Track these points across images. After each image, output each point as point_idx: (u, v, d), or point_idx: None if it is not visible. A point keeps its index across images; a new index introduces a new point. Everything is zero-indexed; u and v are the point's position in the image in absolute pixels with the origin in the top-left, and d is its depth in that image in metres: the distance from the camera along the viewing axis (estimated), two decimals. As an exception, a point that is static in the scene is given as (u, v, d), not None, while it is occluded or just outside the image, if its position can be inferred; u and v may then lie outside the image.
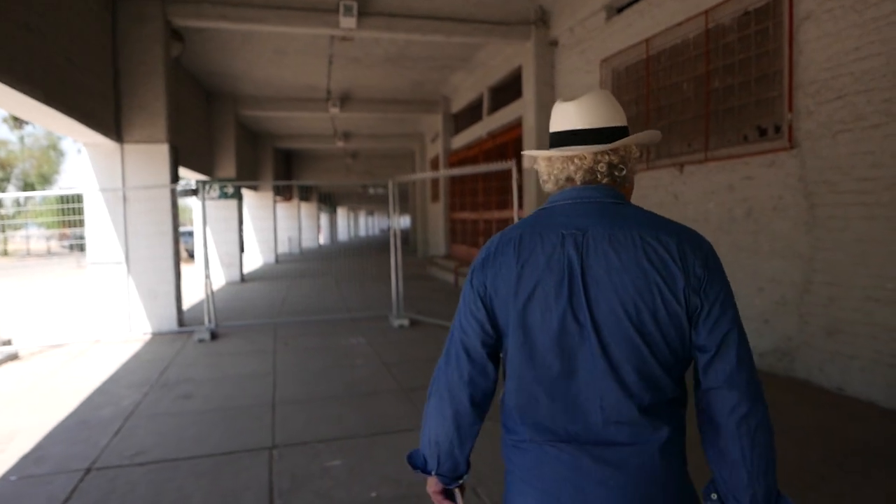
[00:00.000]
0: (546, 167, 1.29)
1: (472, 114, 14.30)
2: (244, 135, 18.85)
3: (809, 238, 4.94)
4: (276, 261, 22.07)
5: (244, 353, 6.76)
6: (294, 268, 19.03)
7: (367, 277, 15.04)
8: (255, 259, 21.60)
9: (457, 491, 1.36)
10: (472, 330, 1.25)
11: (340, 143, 21.47)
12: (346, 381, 5.54)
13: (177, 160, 8.77)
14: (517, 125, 10.67)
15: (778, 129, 5.33)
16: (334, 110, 15.11)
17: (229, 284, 14.61)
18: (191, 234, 30.39)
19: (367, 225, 64.83)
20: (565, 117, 1.23)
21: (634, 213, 1.19)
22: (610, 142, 1.21)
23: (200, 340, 7.46)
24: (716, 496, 1.17)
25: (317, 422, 4.45)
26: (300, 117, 17.83)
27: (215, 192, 14.98)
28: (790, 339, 5.17)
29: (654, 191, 6.92)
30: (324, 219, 41.59)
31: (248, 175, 19.75)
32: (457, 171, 6.77)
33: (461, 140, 14.65)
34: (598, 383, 1.12)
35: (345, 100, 15.27)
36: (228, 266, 15.13)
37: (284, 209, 27.94)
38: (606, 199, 1.20)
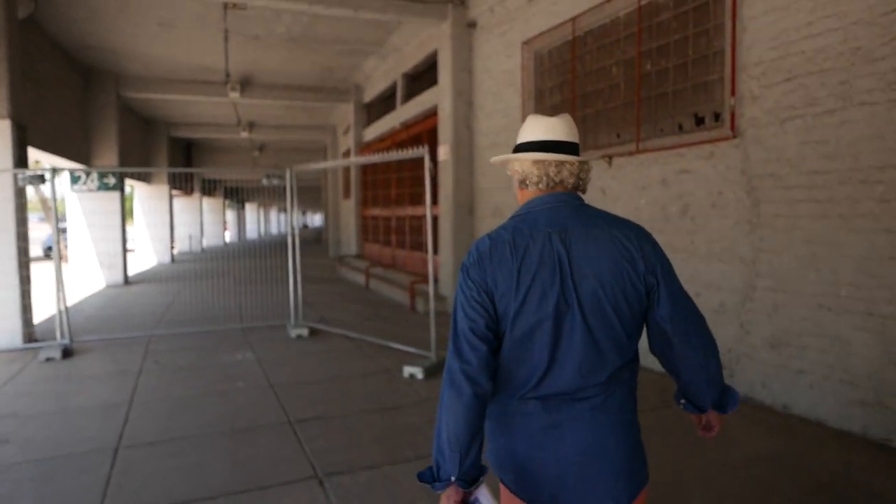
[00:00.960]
0: (537, 169, 1.52)
1: (385, 103, 13.39)
2: (131, 120, 16.96)
3: (752, 238, 4.43)
4: (173, 260, 20.20)
5: (100, 377, 5.53)
6: (191, 268, 17.36)
7: (272, 280, 13.77)
8: (147, 258, 19.63)
9: (483, 488, 1.41)
10: (479, 316, 1.43)
11: (245, 134, 19.89)
12: (218, 411, 4.51)
13: (23, 141, 7.35)
14: (432, 114, 9.87)
15: (718, 117, 4.81)
16: (234, 95, 13.72)
17: (110, 288, 12.92)
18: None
19: (279, 222, 62.21)
20: (551, 129, 1.52)
21: (597, 212, 1.54)
22: (577, 155, 1.54)
23: (48, 360, 6.13)
24: (684, 400, 1.65)
25: (167, 474, 3.42)
26: (197, 102, 16.20)
27: (93, 182, 13.26)
28: (729, 350, 4.65)
29: (580, 186, 6.31)
30: (231, 215, 39.21)
31: (136, 165, 17.87)
32: (363, 160, 5.90)
33: (374, 131, 13.70)
34: (579, 351, 1.42)
35: (246, 84, 13.91)
36: (110, 267, 13.41)
37: (184, 204, 25.82)
38: (576, 202, 1.54)
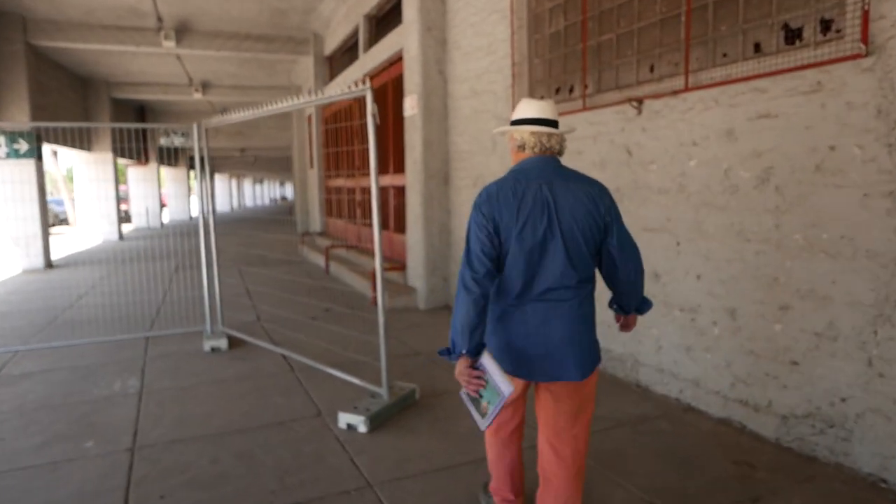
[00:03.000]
0: (533, 138, 2.16)
1: (349, 55, 11.39)
2: (59, 77, 14.71)
3: (894, 223, 2.69)
4: (121, 237, 18.15)
5: None
6: (136, 248, 15.39)
7: (226, 260, 11.92)
8: (91, 236, 17.58)
9: (483, 359, 2.04)
10: (487, 239, 2.04)
11: (198, 95, 17.74)
12: (14, 516, 2.73)
13: None
14: (397, 59, 7.96)
15: (828, 26, 3.02)
16: (169, 45, 11.62)
17: (25, 273, 10.97)
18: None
19: (254, 194, 59.74)
20: (543, 110, 2.18)
21: (572, 172, 2.18)
22: (556, 129, 2.19)
23: None
24: (615, 305, 2.38)
25: None
26: (134, 57, 14.01)
27: (2, 149, 11.18)
28: (843, 399, 2.96)
29: (593, 143, 4.51)
30: (199, 187, 36.91)
31: (78, 133, 15.68)
32: (287, 106, 4.13)
33: (336, 88, 11.70)
34: (559, 264, 2.05)
35: (183, 31, 11.79)
36: (26, 249, 11.41)
37: (141, 174, 23.60)
38: (557, 163, 2.19)
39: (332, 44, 11.95)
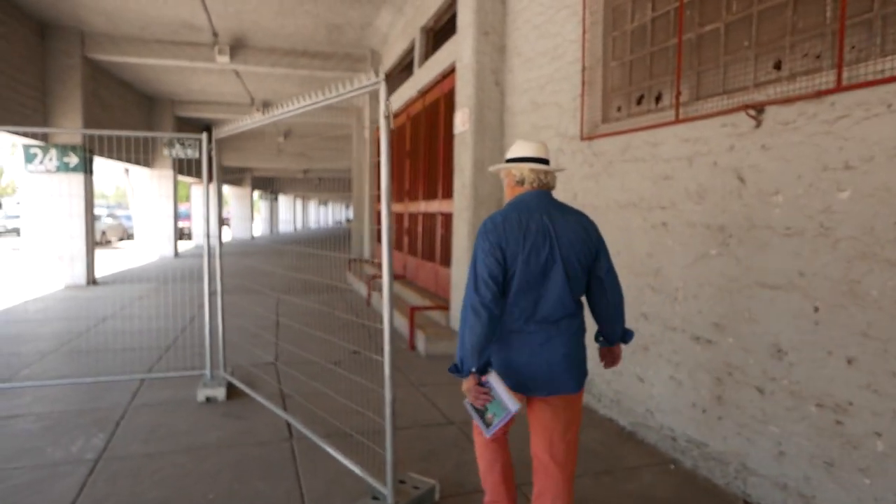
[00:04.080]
0: (533, 174, 2.34)
1: (406, 73, 10.67)
2: (121, 94, 14.79)
3: None
4: (176, 255, 18.08)
5: None
6: (187, 266, 15.13)
7: (266, 286, 11.38)
8: (147, 252, 17.58)
9: (490, 373, 2.21)
10: (496, 266, 2.17)
11: (258, 115, 17.51)
12: None
13: None
14: (450, 71, 7.08)
15: None
16: (223, 60, 11.27)
17: (67, 289, 10.68)
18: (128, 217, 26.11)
19: (318, 215, 60.51)
20: (539, 150, 2.38)
21: (564, 204, 2.37)
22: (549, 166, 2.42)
23: None
24: (602, 338, 2.51)
25: None
26: (194, 74, 13.90)
27: (52, 161, 11.04)
28: None
29: (688, 166, 3.42)
30: (264, 207, 37.37)
31: (134, 148, 15.72)
32: (278, 115, 3.34)
33: (394, 105, 10.99)
34: (560, 290, 2.22)
35: (237, 47, 11.43)
36: (73, 263, 11.16)
37: (202, 192, 23.81)
38: (551, 196, 2.36)
39: (389, 61, 11.29)
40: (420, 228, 8.54)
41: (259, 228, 37.30)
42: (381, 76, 2.67)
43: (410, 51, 9.94)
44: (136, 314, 8.21)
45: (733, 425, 3.13)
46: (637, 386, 3.90)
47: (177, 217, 18.10)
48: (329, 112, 18.10)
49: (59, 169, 10.88)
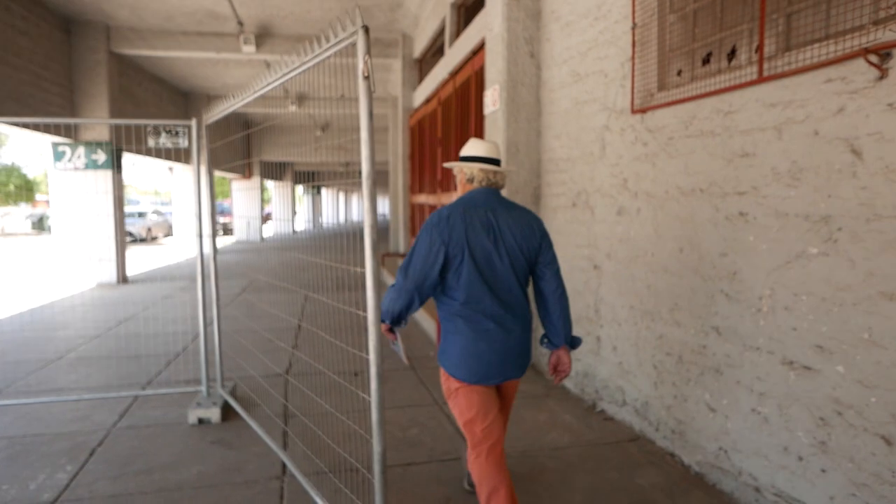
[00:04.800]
0: (482, 173, 2.45)
1: (439, 56, 9.98)
2: (161, 91, 14.62)
3: None
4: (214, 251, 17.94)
5: None
6: (223, 262, 14.89)
7: (299, 283, 10.94)
8: (186, 249, 17.50)
9: (397, 331, 2.49)
10: (436, 260, 2.28)
11: (293, 107, 17.20)
12: None
13: None
14: (480, 46, 6.34)
15: None
16: (249, 49, 10.82)
17: (98, 288, 10.48)
18: (156, 212, 26.47)
19: (361, 209, 60.61)
20: (490, 150, 2.49)
21: (511, 202, 2.47)
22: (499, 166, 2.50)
23: None
24: (546, 340, 2.53)
25: None
26: (218, 64, 13.57)
27: (80, 159, 10.84)
28: None
29: (776, 137, 2.62)
30: (307, 201, 37.40)
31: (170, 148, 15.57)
32: (271, 84, 2.79)
33: (423, 92, 10.33)
34: (507, 283, 2.34)
35: (263, 35, 10.96)
36: (103, 260, 10.97)
37: (243, 187, 23.78)
38: (499, 194, 2.46)
39: (420, 44, 10.61)
40: (452, 222, 7.86)
41: (302, 222, 37.35)
42: (358, 25, 2.00)
43: (441, 31, 9.24)
44: (159, 315, 7.83)
45: (845, 483, 2.34)
46: (706, 416, 3.14)
47: (214, 213, 17.94)
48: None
49: (87, 166, 10.66)
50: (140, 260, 16.20)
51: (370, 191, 2.06)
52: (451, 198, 7.93)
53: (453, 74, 7.70)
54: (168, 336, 6.55)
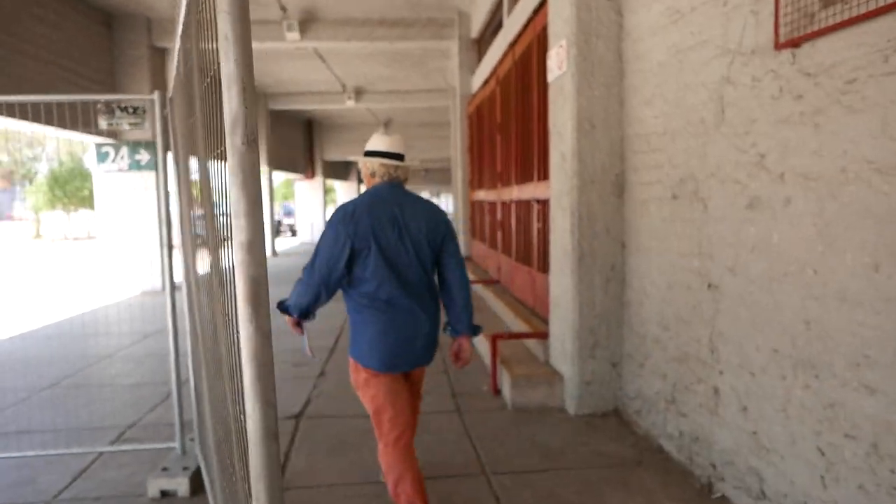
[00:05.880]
0: (383, 169, 2.52)
1: (496, 31, 8.76)
2: (216, 91, 14.14)
3: None
4: (274, 254, 17.50)
5: None
6: (280, 266, 14.32)
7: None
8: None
9: (303, 324, 2.56)
10: (340, 252, 2.35)
11: (350, 102, 16.43)
12: None
13: None
14: (542, 3, 5.07)
15: None
16: (293, 36, 9.98)
17: (141, 295, 9.96)
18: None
19: (431, 208, 59.86)
20: (391, 145, 2.55)
21: (415, 196, 2.57)
22: (402, 161, 2.56)
23: None
24: (449, 327, 2.64)
25: None
26: (270, 58, 12.90)
27: (124, 160, 10.35)
28: None
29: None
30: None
31: (220, 143, 15.12)
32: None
33: (482, 73, 9.13)
34: (413, 271, 2.45)
35: (308, 21, 10.09)
36: (148, 265, 10.45)
37: (306, 188, 23.39)
38: (403, 188, 2.57)
39: (478, 20, 9.42)
40: (513, 221, 6.62)
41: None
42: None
43: (500, 5, 8.01)
44: (188, 328, 7.03)
45: None
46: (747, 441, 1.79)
47: (272, 214, 17.44)
48: (428, 96, 16.60)
49: (130, 167, 10.17)
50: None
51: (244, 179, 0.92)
52: (511, 193, 6.71)
53: (512, 45, 6.46)
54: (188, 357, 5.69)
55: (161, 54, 10.61)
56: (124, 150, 10.12)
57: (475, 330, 2.64)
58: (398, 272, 2.40)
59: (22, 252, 23.59)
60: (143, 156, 10.15)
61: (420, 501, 2.42)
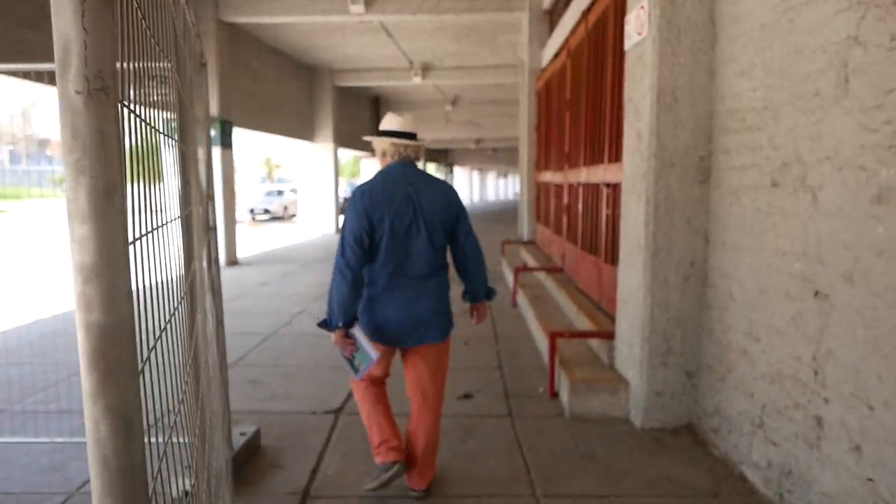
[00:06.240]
0: (393, 148, 2.58)
1: (567, 1, 8.15)
2: (283, 66, 14.23)
3: None
4: (337, 231, 17.55)
5: None
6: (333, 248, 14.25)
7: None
8: (311, 230, 17.23)
9: (354, 330, 2.53)
10: (363, 230, 2.45)
11: (417, 79, 16.08)
12: None
13: None
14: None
15: None
16: (357, 9, 9.68)
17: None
18: (279, 192, 27.18)
19: (497, 188, 59.06)
20: (402, 124, 2.61)
21: (428, 174, 2.67)
22: (416, 140, 2.63)
23: None
24: (468, 294, 2.79)
25: None
26: (332, 32, 12.69)
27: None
28: None
29: None
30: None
31: (295, 122, 15.17)
32: None
33: (552, 46, 8.55)
34: (424, 250, 2.54)
35: (373, -7, 9.76)
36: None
37: (373, 166, 23.36)
38: (415, 167, 2.62)
39: (551, -12, 8.82)
40: (580, 206, 6.12)
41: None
42: None
43: (576, -34, 7.39)
44: (240, 309, 7.01)
45: None
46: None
47: (336, 193, 17.47)
48: (497, 72, 16.03)
49: (197, 143, 10.26)
50: (262, 239, 16.14)
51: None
52: (579, 176, 6.19)
53: (586, 13, 5.90)
54: (235, 338, 5.61)
55: (228, 29, 10.59)
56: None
57: (490, 295, 2.82)
58: (409, 251, 2.53)
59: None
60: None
61: (388, 426, 2.71)
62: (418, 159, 2.67)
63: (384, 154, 2.62)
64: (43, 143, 24.26)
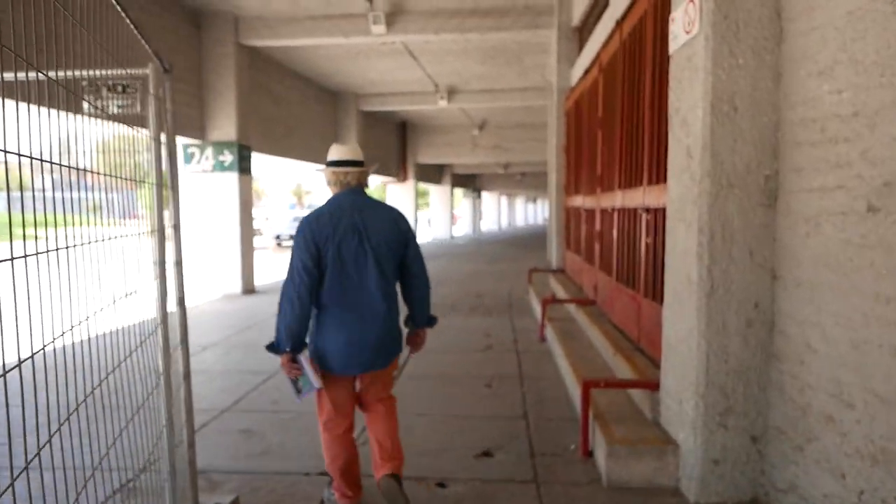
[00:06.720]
0: (335, 177, 2.65)
1: (598, 15, 7.69)
2: (306, 89, 14.05)
3: None
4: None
5: None
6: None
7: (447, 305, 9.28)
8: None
9: (301, 356, 2.51)
10: (309, 259, 2.47)
11: (443, 102, 15.79)
12: None
13: None
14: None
15: None
16: (378, 29, 9.39)
17: (222, 299, 9.75)
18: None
19: (526, 213, 58.41)
20: (345, 153, 2.68)
21: (376, 200, 2.71)
22: (362, 167, 2.69)
23: None
24: (411, 322, 2.84)
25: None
26: (354, 56, 12.46)
27: (208, 161, 10.19)
28: None
29: None
30: (467, 205, 36.27)
31: (317, 146, 14.93)
32: None
33: (582, 63, 8.08)
34: (372, 277, 2.55)
35: (394, 13, 9.45)
36: (228, 270, 10.27)
37: (398, 192, 23.04)
38: (363, 194, 2.67)
39: (581, 3, 8.37)
40: (615, 232, 5.55)
41: (462, 227, 36.31)
42: None
43: (607, -21, 6.93)
44: (248, 341, 6.57)
45: None
46: None
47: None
48: (524, 95, 15.63)
49: (214, 168, 10.02)
50: (284, 266, 15.83)
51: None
52: (614, 200, 5.64)
53: (620, 22, 5.40)
54: (234, 377, 5.15)
55: (248, 53, 10.40)
56: (209, 151, 9.97)
57: (431, 322, 2.89)
58: (356, 278, 2.55)
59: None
60: (227, 157, 9.96)
61: (346, 483, 2.74)
62: (364, 185, 2.72)
63: (328, 184, 2.71)
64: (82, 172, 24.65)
